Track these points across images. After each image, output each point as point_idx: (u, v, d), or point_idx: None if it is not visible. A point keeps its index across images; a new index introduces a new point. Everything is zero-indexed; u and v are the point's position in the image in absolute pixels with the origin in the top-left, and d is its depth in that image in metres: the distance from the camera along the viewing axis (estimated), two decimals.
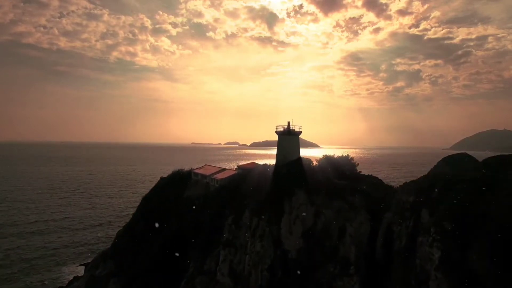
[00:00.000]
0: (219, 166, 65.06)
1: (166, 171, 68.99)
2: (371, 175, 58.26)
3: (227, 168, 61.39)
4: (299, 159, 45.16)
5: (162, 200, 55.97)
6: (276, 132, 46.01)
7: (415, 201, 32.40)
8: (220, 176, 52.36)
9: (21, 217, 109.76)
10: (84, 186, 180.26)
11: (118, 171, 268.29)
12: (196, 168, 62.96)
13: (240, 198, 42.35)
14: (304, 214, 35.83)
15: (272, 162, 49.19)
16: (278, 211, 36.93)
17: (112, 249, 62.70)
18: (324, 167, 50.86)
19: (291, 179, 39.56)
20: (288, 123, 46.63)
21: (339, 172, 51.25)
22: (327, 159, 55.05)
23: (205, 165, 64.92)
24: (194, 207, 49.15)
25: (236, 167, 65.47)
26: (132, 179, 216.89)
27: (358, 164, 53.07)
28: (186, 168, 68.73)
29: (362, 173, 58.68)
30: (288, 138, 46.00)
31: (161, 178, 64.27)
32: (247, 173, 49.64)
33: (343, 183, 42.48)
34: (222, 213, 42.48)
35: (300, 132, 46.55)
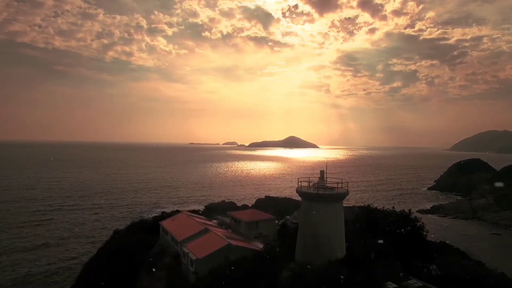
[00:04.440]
0: (201, 219, 43.27)
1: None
2: (445, 242, 37.01)
3: (212, 224, 40.03)
4: (352, 258, 22.90)
5: (107, 283, 34.79)
6: (299, 192, 24.57)
7: None
8: (198, 251, 31.08)
9: None
10: (64, 199, 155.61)
11: (108, 178, 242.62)
12: (167, 219, 41.73)
13: None
14: None
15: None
16: None
17: None
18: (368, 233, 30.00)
19: None
20: (322, 172, 24.73)
21: (392, 238, 30.51)
22: (368, 213, 34.14)
23: (182, 213, 43.53)
24: None
25: (227, 213, 45.02)
26: (121, 188, 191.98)
27: (423, 225, 32.21)
28: (161, 203, 48.37)
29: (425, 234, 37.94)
30: (322, 208, 23.15)
31: (115, 233, 43.20)
32: (246, 250, 28.80)
33: None
34: None
35: (345, 194, 24.50)
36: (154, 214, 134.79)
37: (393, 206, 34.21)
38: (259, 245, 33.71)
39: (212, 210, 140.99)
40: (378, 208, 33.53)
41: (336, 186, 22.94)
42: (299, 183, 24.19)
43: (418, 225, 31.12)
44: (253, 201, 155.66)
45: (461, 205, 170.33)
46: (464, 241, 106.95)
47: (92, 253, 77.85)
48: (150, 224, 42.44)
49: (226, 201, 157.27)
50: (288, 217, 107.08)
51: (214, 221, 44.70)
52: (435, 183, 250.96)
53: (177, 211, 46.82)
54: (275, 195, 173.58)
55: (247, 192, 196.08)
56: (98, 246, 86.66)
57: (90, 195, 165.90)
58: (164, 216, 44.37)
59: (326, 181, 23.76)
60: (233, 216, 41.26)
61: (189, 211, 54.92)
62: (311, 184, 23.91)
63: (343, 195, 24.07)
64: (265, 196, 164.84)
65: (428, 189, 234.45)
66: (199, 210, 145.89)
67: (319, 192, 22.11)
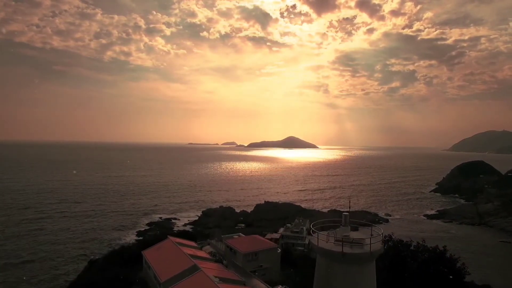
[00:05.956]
0: (189, 249, 36.80)
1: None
2: (489, 285, 31.58)
3: (202, 256, 33.83)
4: None
5: None
6: (315, 247, 17.12)
7: None
8: None
9: None
10: (58, 204, 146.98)
11: (104, 181, 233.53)
12: (151, 248, 35.55)
13: None
14: None
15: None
16: None
17: None
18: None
19: None
20: (345, 217, 17.46)
21: (423, 282, 24.57)
22: (393, 248, 28.19)
23: (169, 239, 37.19)
24: None
25: (222, 239, 39.03)
26: (118, 192, 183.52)
27: (464, 267, 26.18)
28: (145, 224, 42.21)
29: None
30: (347, 271, 16.23)
31: (90, 264, 37.04)
32: None
33: None
34: None
35: (380, 251, 16.83)
36: (150, 220, 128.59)
37: (423, 240, 28.24)
38: (259, 285, 27.58)
39: (209, 216, 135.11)
40: (405, 241, 27.55)
41: (369, 241, 15.73)
42: (313, 231, 16.82)
43: (458, 267, 25.04)
44: (252, 207, 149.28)
45: (467, 210, 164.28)
46: (475, 252, 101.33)
47: (80, 267, 70.74)
48: (132, 253, 36.25)
49: (224, 206, 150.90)
50: (289, 224, 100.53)
51: (207, 247, 38.40)
52: (437, 186, 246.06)
53: (166, 221, 40.65)
54: (275, 200, 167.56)
55: (246, 196, 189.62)
56: (87, 259, 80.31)
57: (85, 200, 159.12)
58: (149, 241, 38.16)
59: (347, 225, 16.84)
60: (228, 245, 35.19)
61: (180, 233, 48.61)
62: (329, 232, 16.81)
63: (377, 253, 16.71)
64: (265, 201, 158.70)
65: (431, 192, 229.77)
66: (196, 215, 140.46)
67: (344, 252, 15.36)
